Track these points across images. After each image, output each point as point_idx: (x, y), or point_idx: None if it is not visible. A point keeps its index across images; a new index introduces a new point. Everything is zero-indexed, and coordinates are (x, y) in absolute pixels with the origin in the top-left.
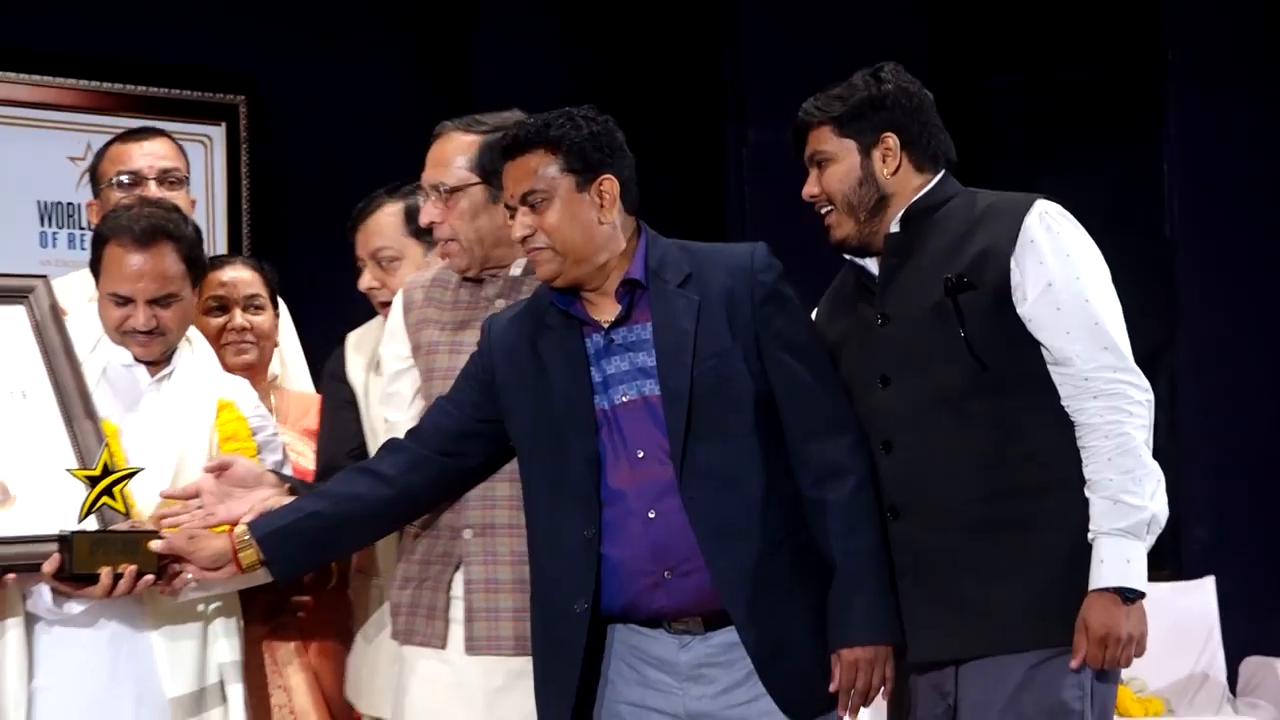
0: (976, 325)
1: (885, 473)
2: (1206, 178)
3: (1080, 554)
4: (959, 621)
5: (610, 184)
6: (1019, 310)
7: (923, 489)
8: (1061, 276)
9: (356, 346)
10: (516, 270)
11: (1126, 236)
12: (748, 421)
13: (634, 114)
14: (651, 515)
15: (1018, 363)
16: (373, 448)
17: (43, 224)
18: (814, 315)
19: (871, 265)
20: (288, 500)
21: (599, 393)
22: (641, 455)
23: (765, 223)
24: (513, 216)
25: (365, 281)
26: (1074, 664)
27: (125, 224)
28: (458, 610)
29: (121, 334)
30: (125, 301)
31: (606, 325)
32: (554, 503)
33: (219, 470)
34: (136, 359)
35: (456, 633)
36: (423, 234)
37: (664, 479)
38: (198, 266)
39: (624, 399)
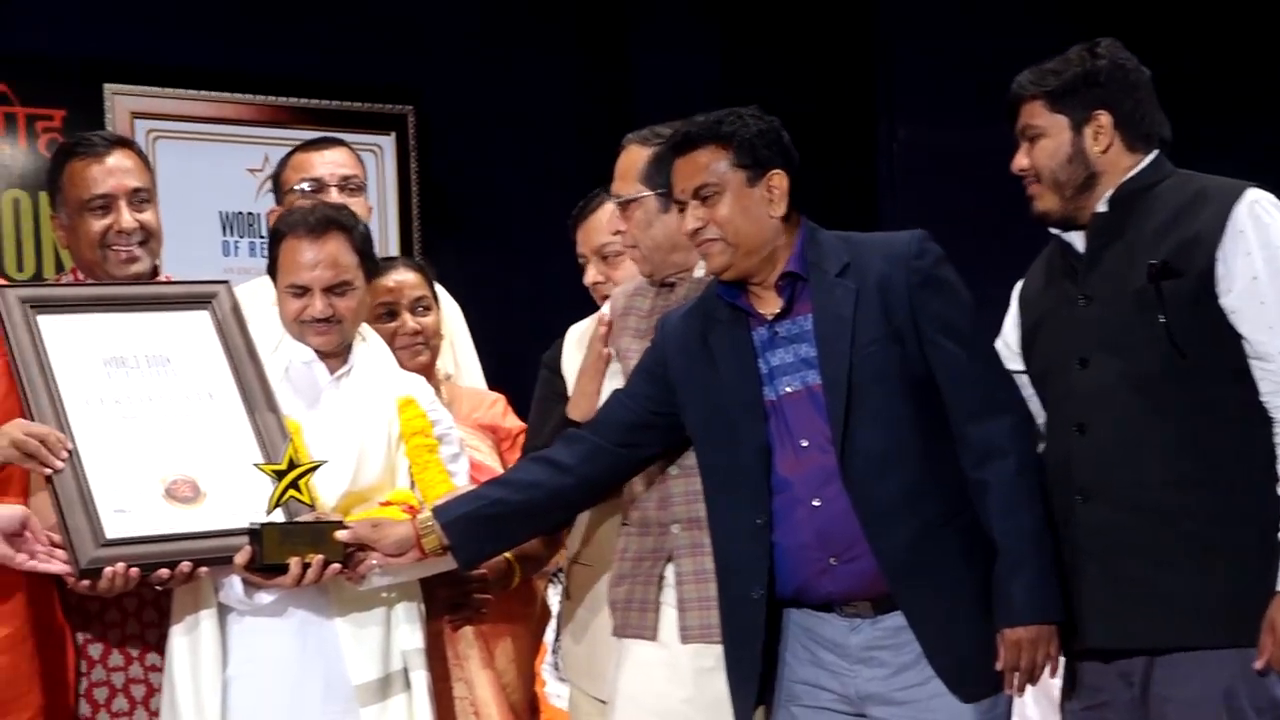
0: (1178, 313)
1: (1077, 455)
2: None
3: (1265, 559)
4: (1152, 611)
5: (780, 179)
6: (1222, 301)
7: (1114, 473)
8: (1267, 270)
9: (577, 342)
10: (699, 272)
11: None
12: (907, 406)
13: (789, 112)
14: (816, 503)
15: (1218, 354)
16: None
17: (225, 233)
18: (1019, 289)
19: (1077, 242)
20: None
21: (766, 384)
22: (805, 444)
23: (917, 218)
24: (682, 211)
25: (590, 276)
26: (1258, 665)
27: (299, 218)
28: (669, 597)
29: (300, 325)
30: (302, 291)
31: (771, 318)
32: (728, 492)
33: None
34: (316, 350)
35: (668, 619)
36: None
37: (827, 467)
38: (370, 260)
39: (788, 390)
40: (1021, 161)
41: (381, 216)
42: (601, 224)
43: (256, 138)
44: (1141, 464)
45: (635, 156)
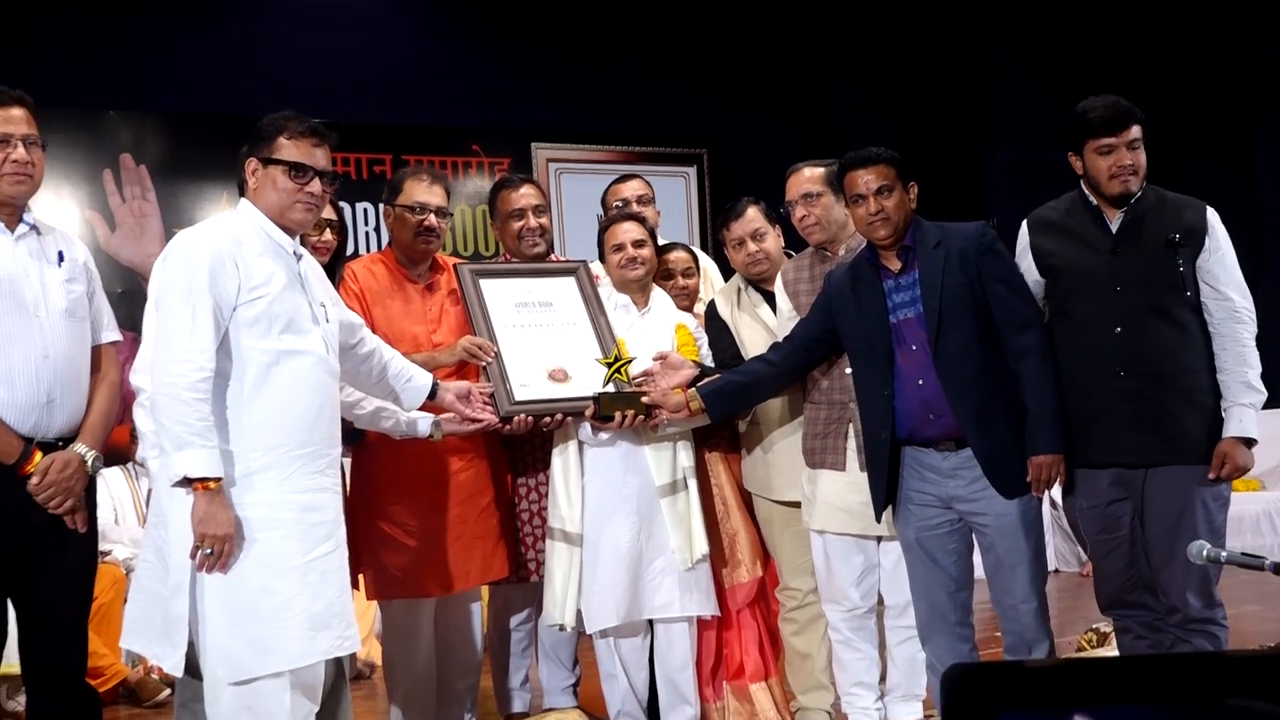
0: (1187, 267)
1: (1114, 348)
2: None
3: (1218, 410)
4: (1156, 440)
5: (915, 188)
6: (1202, 262)
7: (1142, 360)
8: (1226, 249)
9: (723, 296)
10: (842, 251)
11: None
12: (975, 326)
13: (918, 140)
14: (920, 383)
15: (1198, 292)
16: (743, 350)
17: None
18: (1027, 234)
19: (1107, 212)
20: (693, 376)
21: (891, 313)
22: (914, 348)
23: (1008, 210)
24: (858, 204)
25: (749, 250)
26: (1210, 475)
27: (612, 216)
28: (850, 445)
29: (620, 269)
30: (621, 248)
31: (895, 272)
32: (867, 376)
33: (661, 358)
34: (632, 287)
35: (851, 458)
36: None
37: (926, 362)
38: (653, 238)
39: (904, 316)
40: (1134, 162)
41: (689, 219)
42: (747, 217)
43: (617, 170)
44: (1155, 354)
45: (813, 170)
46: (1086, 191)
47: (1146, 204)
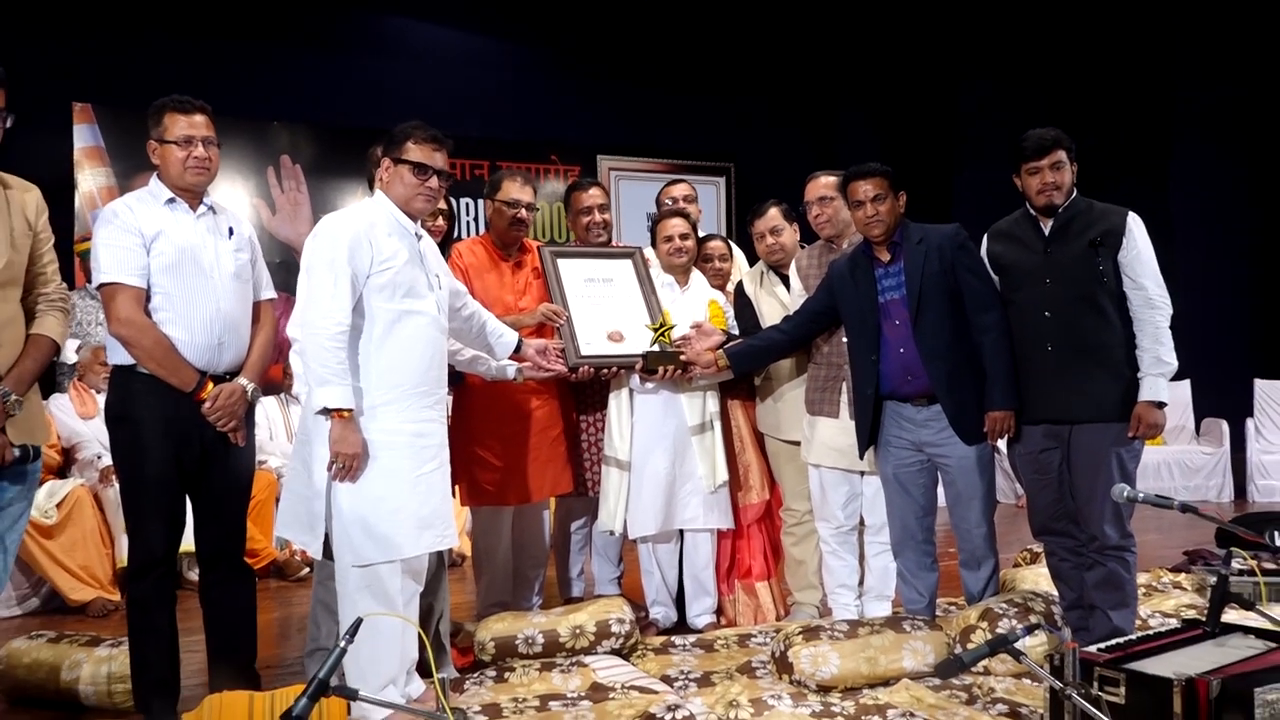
0: (1106, 262)
1: (1045, 328)
2: None
3: (1134, 380)
4: (1081, 400)
5: (904, 196)
6: (1121, 258)
7: (1068, 338)
8: (1143, 248)
9: (748, 277)
10: (846, 245)
11: None
12: (948, 306)
13: (899, 160)
14: (901, 350)
15: (1119, 283)
16: (762, 321)
17: (647, 222)
18: (985, 248)
19: (1045, 222)
20: (722, 340)
21: (880, 294)
22: (898, 323)
23: (970, 219)
24: (858, 208)
25: (767, 243)
26: (1129, 434)
27: (663, 210)
28: (843, 398)
29: (669, 255)
30: (671, 238)
31: (885, 262)
32: (859, 344)
33: (697, 326)
34: (677, 270)
35: (844, 409)
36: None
37: (906, 333)
38: (695, 231)
39: (891, 297)
40: (1055, 180)
41: (718, 219)
42: (769, 216)
43: (664, 178)
44: (1081, 333)
45: (828, 179)
46: (1027, 205)
47: (1075, 211)
